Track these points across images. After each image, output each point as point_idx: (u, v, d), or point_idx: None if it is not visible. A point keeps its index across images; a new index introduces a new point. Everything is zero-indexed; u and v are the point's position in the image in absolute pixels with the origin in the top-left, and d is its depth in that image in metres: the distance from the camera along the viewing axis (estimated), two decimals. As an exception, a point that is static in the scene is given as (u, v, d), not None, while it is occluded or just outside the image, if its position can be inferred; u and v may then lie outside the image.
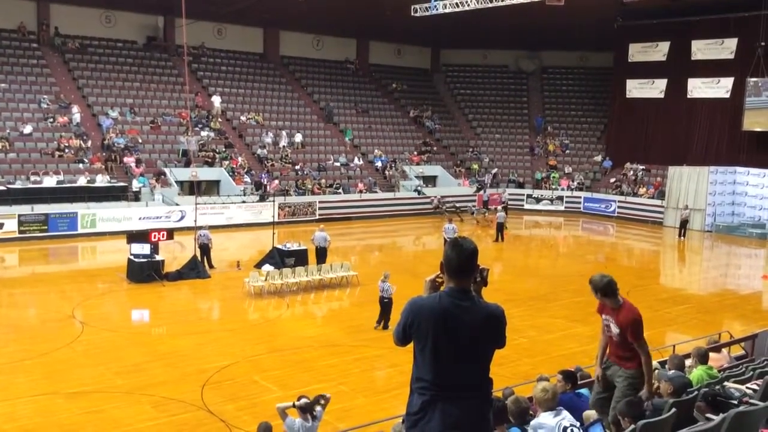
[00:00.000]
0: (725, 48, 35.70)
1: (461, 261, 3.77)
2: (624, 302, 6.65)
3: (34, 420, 11.13)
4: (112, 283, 20.42)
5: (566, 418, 5.47)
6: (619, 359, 6.73)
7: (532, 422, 5.60)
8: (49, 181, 28.04)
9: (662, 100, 38.63)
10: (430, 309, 3.74)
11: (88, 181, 28.82)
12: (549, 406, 5.56)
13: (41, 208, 26.60)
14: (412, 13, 34.21)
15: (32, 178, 28.04)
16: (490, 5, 30.50)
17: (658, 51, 38.61)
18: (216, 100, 37.09)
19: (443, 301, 3.76)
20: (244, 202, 31.30)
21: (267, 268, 20.62)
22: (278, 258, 22.15)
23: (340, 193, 35.27)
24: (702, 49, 36.63)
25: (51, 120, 31.63)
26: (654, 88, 39.02)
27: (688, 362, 8.72)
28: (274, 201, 29.92)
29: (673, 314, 18.85)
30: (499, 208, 33.34)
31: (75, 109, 32.38)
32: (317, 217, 33.13)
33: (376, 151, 39.98)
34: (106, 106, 33.94)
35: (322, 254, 22.46)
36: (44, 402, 11.79)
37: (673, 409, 6.12)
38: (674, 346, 12.09)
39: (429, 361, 3.72)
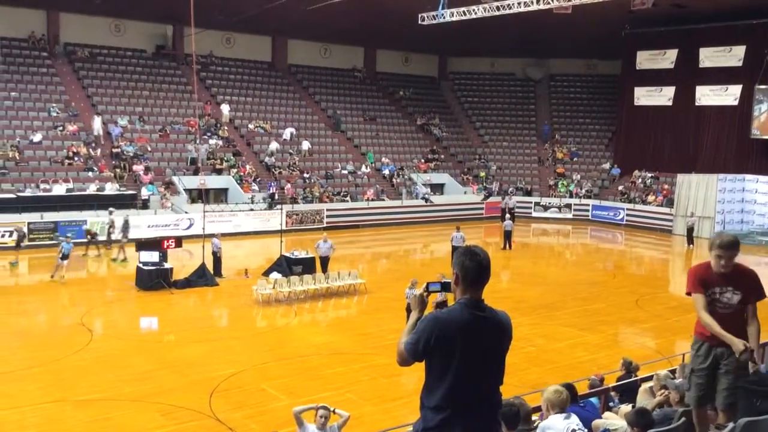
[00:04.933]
0: (733, 55, 35.62)
1: (481, 271, 3.71)
2: (736, 263, 5.46)
3: (42, 428, 11.15)
4: (120, 290, 20.49)
5: (575, 421, 5.46)
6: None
7: (541, 424, 5.59)
8: (59, 189, 28.18)
9: (670, 108, 38.55)
10: (453, 323, 3.63)
11: (98, 189, 28.95)
12: (561, 408, 5.55)
13: (51, 216, 26.72)
14: (420, 21, 34.27)
15: (42, 186, 28.19)
16: (497, 13, 30.51)
17: (666, 59, 38.57)
18: (224, 108, 37.23)
19: (465, 313, 3.67)
20: (252, 210, 31.37)
21: (275, 275, 20.65)
22: (286, 266, 22.17)
23: (347, 201, 35.31)
24: (710, 57, 36.56)
25: (60, 128, 31.82)
26: (662, 96, 38.95)
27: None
28: (281, 209, 29.97)
29: (683, 323, 18.71)
30: (507, 215, 33.27)
31: (97, 122, 32.35)
32: (325, 225, 33.16)
33: (383, 158, 40.03)
34: (115, 115, 34.12)
35: (325, 263, 22.39)
36: (53, 409, 11.82)
37: (683, 418, 6.09)
38: (684, 355, 12.00)
39: (451, 377, 3.62)
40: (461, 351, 3.61)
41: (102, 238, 26.12)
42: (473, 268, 3.70)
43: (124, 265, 23.98)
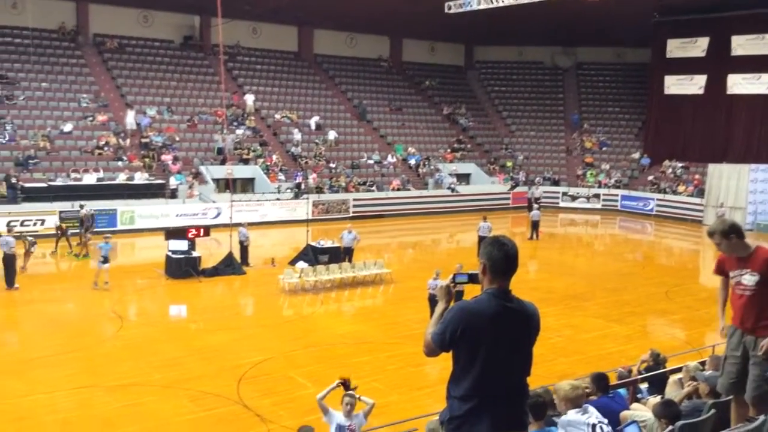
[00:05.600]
0: (767, 43, 34.93)
1: (509, 261, 3.68)
2: (756, 246, 5.64)
3: (74, 412, 11.36)
4: (150, 278, 20.74)
5: (594, 415, 5.43)
6: (755, 324, 5.56)
7: (561, 419, 5.56)
8: (89, 179, 28.57)
9: (701, 97, 37.96)
10: (481, 313, 3.62)
11: (127, 179, 29.30)
12: (577, 404, 5.52)
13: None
14: (446, 10, 34.09)
15: (72, 175, 28.60)
16: (524, 1, 30.24)
17: (697, 46, 37.93)
18: (249, 98, 37.39)
19: (492, 303, 3.65)
20: (278, 199, 31.53)
21: (301, 265, 20.74)
22: (312, 255, 22.27)
23: (373, 190, 35.33)
24: (743, 45, 35.90)
25: (90, 119, 32.21)
26: (693, 84, 38.35)
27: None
28: (308, 198, 30.09)
29: (713, 314, 18.44)
30: (535, 206, 33.04)
31: (130, 115, 32.51)
32: (351, 214, 33.23)
33: (409, 148, 39.95)
34: (144, 105, 34.46)
35: (349, 254, 22.39)
36: (84, 395, 12.03)
37: (713, 410, 6.02)
38: (714, 346, 11.88)
39: (479, 367, 3.62)
40: (489, 341, 3.60)
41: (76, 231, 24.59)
42: (501, 258, 3.67)
43: (86, 261, 22.76)
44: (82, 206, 25.44)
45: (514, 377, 3.74)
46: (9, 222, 24.52)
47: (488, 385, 3.63)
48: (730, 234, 5.54)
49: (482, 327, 3.60)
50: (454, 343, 3.65)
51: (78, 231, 24.52)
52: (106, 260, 19.01)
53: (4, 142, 29.09)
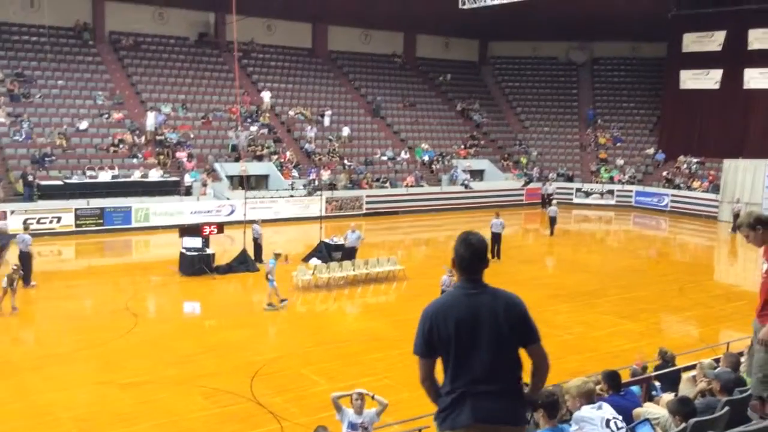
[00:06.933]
0: (784, 37, 34.60)
1: (474, 259, 3.78)
2: None
3: (90, 409, 11.48)
4: (164, 275, 20.87)
5: (607, 411, 5.44)
6: (760, 311, 5.83)
7: (575, 415, 5.56)
8: (105, 176, 28.76)
9: (717, 91, 37.62)
10: (446, 309, 3.74)
11: (142, 176, 29.48)
12: (590, 399, 5.52)
13: (97, 203, 27.33)
14: (460, 6, 34.00)
15: (88, 173, 28.81)
16: (539, -4, 30.11)
17: (714, 41, 37.58)
18: (266, 95, 37.49)
19: (454, 293, 3.79)
20: (292, 196, 31.61)
21: (314, 261, 20.80)
22: (325, 252, 22.32)
23: (387, 187, 35.33)
24: (759, 39, 35.53)
25: (106, 116, 32.42)
26: (709, 79, 38.01)
27: (743, 360, 8.50)
28: (321, 195, 30.15)
29: (728, 311, 18.38)
30: (553, 202, 32.85)
31: (150, 117, 32.32)
32: (364, 211, 33.27)
33: (423, 144, 39.90)
34: (159, 102, 34.63)
35: (351, 254, 21.85)
36: (100, 391, 12.15)
37: (726, 408, 5.99)
38: (728, 343, 11.80)
39: (453, 360, 3.71)
40: (458, 335, 3.68)
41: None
42: (467, 257, 3.78)
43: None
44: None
45: (495, 365, 3.70)
46: (26, 220, 24.79)
47: (465, 373, 3.69)
48: (756, 226, 5.75)
49: (449, 321, 3.69)
50: (430, 346, 3.75)
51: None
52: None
53: (20, 140, 29.34)
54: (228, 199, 29.99)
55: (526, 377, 3.87)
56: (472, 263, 3.77)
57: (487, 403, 3.66)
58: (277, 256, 18.06)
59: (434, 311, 3.76)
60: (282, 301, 17.67)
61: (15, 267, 16.86)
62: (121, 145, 31.10)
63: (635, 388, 8.45)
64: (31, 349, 14.73)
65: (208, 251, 21.18)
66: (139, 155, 31.01)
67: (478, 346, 3.68)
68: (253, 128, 35.29)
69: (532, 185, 39.53)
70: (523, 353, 3.83)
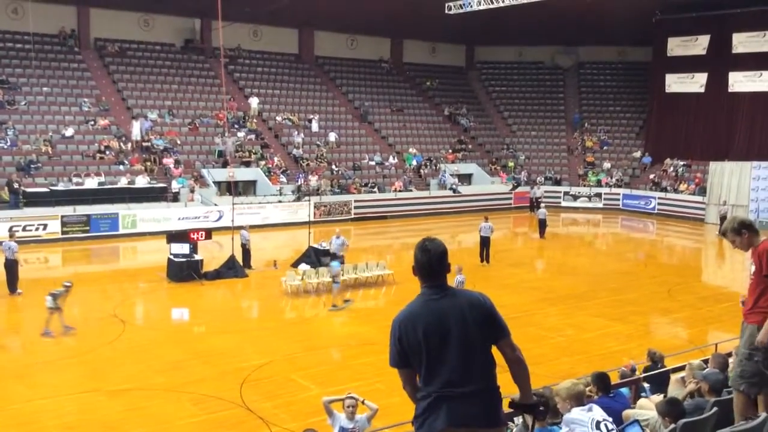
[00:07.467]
0: (768, 40, 34.93)
1: (432, 264, 3.78)
2: (764, 239, 5.72)
3: (77, 417, 11.37)
4: (152, 282, 20.75)
5: (597, 413, 5.43)
6: (745, 311, 5.78)
7: (565, 417, 5.55)
8: (91, 183, 28.58)
9: (703, 95, 37.93)
10: (410, 314, 3.76)
11: (129, 183, 29.33)
12: (580, 401, 5.52)
13: (83, 209, 27.14)
14: (446, 11, 34.11)
15: (74, 179, 28.62)
16: (524, 1, 30.23)
17: (698, 45, 37.90)
18: (253, 101, 37.43)
19: (418, 301, 3.80)
20: (280, 201, 31.54)
21: (303, 267, 20.75)
22: (314, 257, 22.27)
23: (375, 192, 35.32)
24: (743, 42, 35.86)
25: (92, 123, 32.25)
26: (694, 83, 38.31)
27: (731, 361, 8.54)
28: (309, 200, 30.10)
29: (716, 312, 18.49)
30: (542, 205, 32.98)
31: (136, 126, 32.17)
32: (353, 216, 33.24)
33: (411, 149, 39.95)
34: (145, 109, 34.49)
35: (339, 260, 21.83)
36: (87, 399, 12.04)
37: (715, 408, 6.01)
38: (716, 344, 11.86)
39: (424, 366, 3.71)
40: (425, 340, 3.68)
41: None
42: (424, 263, 3.79)
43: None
44: None
45: (466, 370, 3.68)
46: (11, 227, 24.52)
47: (437, 381, 3.68)
48: (741, 230, 5.71)
49: (417, 329, 3.70)
50: (403, 355, 3.76)
51: None
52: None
53: (5, 147, 29.13)
54: (216, 205, 29.88)
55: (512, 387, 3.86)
56: (431, 269, 3.78)
57: (463, 406, 3.65)
58: (338, 257, 18.54)
59: (401, 320, 3.79)
60: (346, 301, 18.31)
61: (67, 285, 15.83)
62: (107, 152, 30.95)
63: (624, 390, 8.47)
64: (17, 356, 14.58)
65: (197, 257, 21.08)
66: (126, 162, 30.85)
67: (449, 349, 3.68)
68: (241, 134, 35.22)
69: (520, 189, 39.66)
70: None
